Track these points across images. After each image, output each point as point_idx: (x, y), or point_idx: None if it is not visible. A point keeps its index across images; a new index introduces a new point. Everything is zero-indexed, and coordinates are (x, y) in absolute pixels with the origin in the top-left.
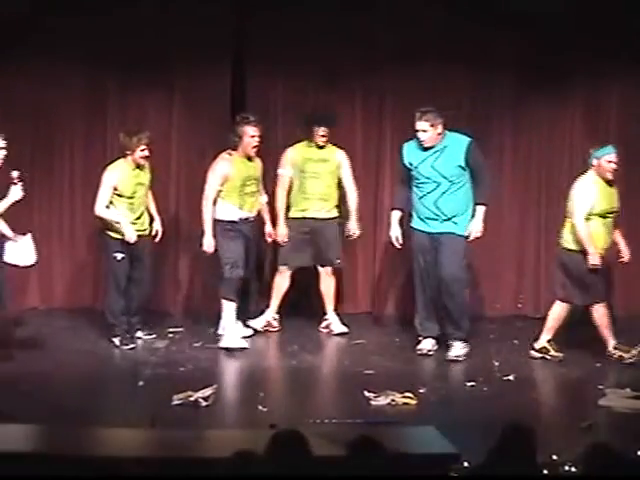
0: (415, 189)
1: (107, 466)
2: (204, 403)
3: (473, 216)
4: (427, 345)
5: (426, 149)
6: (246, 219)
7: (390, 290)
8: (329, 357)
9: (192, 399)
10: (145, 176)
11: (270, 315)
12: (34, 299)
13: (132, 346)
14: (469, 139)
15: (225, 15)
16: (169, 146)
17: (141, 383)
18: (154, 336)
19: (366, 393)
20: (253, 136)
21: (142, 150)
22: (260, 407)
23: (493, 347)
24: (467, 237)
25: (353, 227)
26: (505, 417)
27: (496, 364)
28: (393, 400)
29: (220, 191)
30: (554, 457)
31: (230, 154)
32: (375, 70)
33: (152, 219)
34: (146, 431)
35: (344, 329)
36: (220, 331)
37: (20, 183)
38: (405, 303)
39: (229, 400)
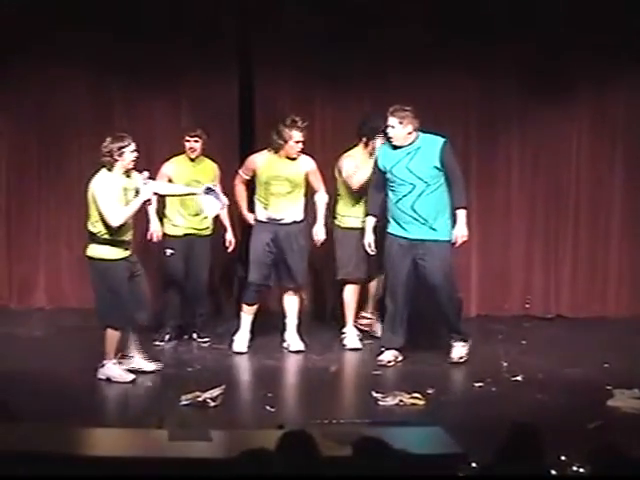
0: (390, 193)
1: (114, 466)
2: (212, 403)
3: (453, 220)
4: (388, 357)
5: (400, 150)
6: (275, 220)
7: None
8: (337, 357)
9: (200, 399)
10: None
11: (354, 332)
12: (41, 299)
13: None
14: (443, 139)
15: (231, 24)
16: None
17: (149, 383)
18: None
19: (374, 394)
20: (298, 142)
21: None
22: (268, 407)
23: (501, 347)
24: (451, 242)
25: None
26: (513, 418)
27: (504, 364)
28: (401, 401)
29: (246, 179)
30: (562, 457)
31: (270, 151)
32: (381, 80)
33: None
34: (154, 431)
35: (358, 345)
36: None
37: (150, 182)
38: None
39: (237, 400)
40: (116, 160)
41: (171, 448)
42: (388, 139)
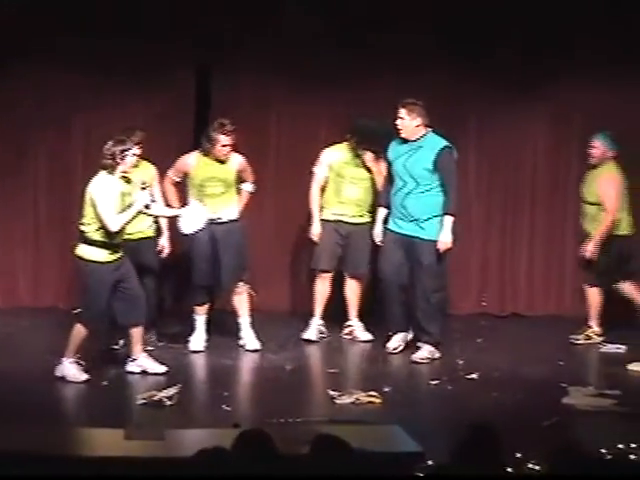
0: (392, 186)
1: (71, 466)
2: (168, 402)
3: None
4: (394, 343)
5: (405, 145)
6: (211, 220)
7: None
8: (293, 356)
9: (156, 399)
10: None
11: (318, 323)
12: None
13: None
14: (444, 143)
15: (189, 24)
16: None
17: (105, 383)
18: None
19: (330, 392)
20: (225, 145)
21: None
22: (224, 406)
23: (457, 346)
24: (436, 244)
25: (378, 233)
26: (469, 416)
27: (460, 363)
28: (357, 399)
29: (177, 181)
30: (518, 455)
31: (200, 152)
32: (339, 80)
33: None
34: (109, 431)
35: (368, 336)
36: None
37: (147, 189)
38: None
39: (193, 399)
40: (118, 163)
41: (127, 447)
42: (398, 132)
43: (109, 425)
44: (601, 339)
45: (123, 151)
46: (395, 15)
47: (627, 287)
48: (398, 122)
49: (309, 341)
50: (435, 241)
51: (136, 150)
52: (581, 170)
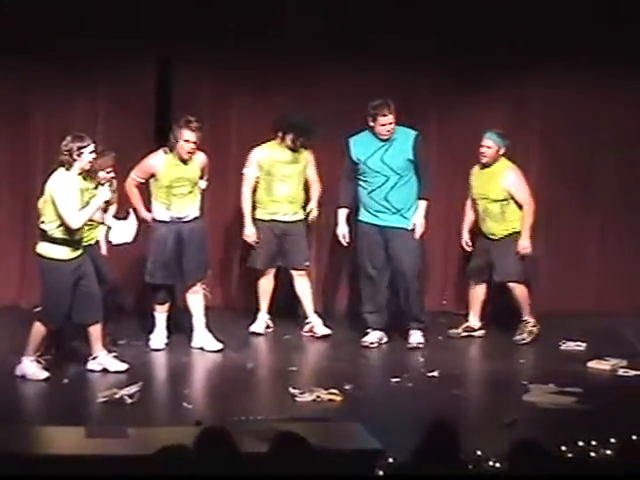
0: (363, 183)
1: (32, 465)
2: (129, 400)
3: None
4: (372, 338)
5: (374, 141)
6: (179, 219)
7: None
8: (254, 354)
9: (117, 396)
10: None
11: (264, 318)
12: None
13: None
14: (415, 132)
15: (150, 17)
16: None
17: (66, 381)
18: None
19: (291, 390)
20: (187, 141)
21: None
22: (185, 404)
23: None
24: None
25: (313, 212)
26: (430, 413)
27: (421, 360)
28: (318, 397)
29: (141, 182)
30: (478, 453)
31: (166, 151)
32: (302, 72)
33: None
34: (70, 429)
35: (327, 331)
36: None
37: (107, 184)
38: (336, 301)
39: (154, 397)
40: (74, 160)
41: (88, 445)
42: (380, 135)
43: (70, 423)
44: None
45: (80, 148)
46: (359, 12)
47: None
48: (387, 127)
49: (256, 334)
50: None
51: (92, 148)
52: (540, 165)
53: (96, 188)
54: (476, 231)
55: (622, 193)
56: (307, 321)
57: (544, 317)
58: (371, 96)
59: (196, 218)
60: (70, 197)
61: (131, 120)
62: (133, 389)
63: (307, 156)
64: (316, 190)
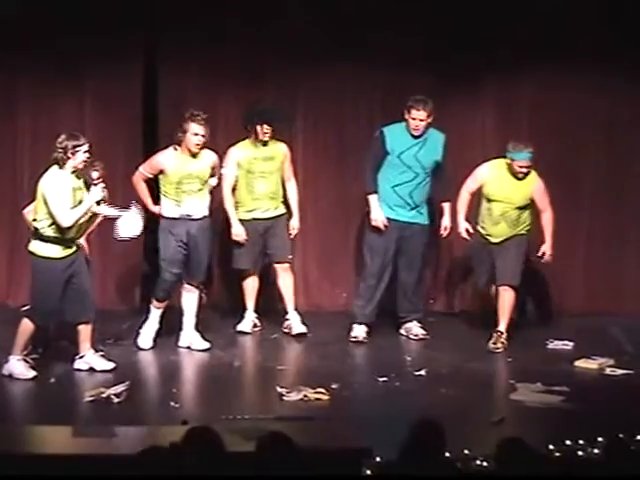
0: (388, 176)
1: (18, 464)
2: (116, 399)
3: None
4: (360, 332)
5: (409, 137)
6: (188, 216)
7: (300, 285)
8: (241, 353)
9: (104, 395)
10: None
11: (252, 316)
12: None
13: None
14: (444, 134)
15: (137, 15)
16: None
17: (53, 380)
18: None
19: (278, 389)
20: (196, 134)
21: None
22: (172, 403)
23: (406, 342)
24: (432, 227)
25: (295, 224)
26: (417, 412)
27: (408, 359)
28: (305, 396)
29: (149, 177)
30: (466, 451)
31: (175, 148)
32: (289, 69)
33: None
34: (57, 428)
35: (303, 329)
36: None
37: (100, 184)
38: (320, 298)
39: (141, 396)
40: (68, 158)
41: (75, 445)
42: (413, 130)
43: (57, 422)
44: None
45: (75, 146)
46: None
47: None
48: (419, 124)
49: (243, 333)
50: (430, 226)
51: (87, 147)
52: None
53: (88, 188)
54: (474, 232)
55: (610, 194)
56: (287, 317)
57: (532, 316)
58: (358, 94)
59: (205, 217)
60: (62, 195)
61: (118, 119)
62: (120, 388)
63: (284, 151)
64: (293, 188)
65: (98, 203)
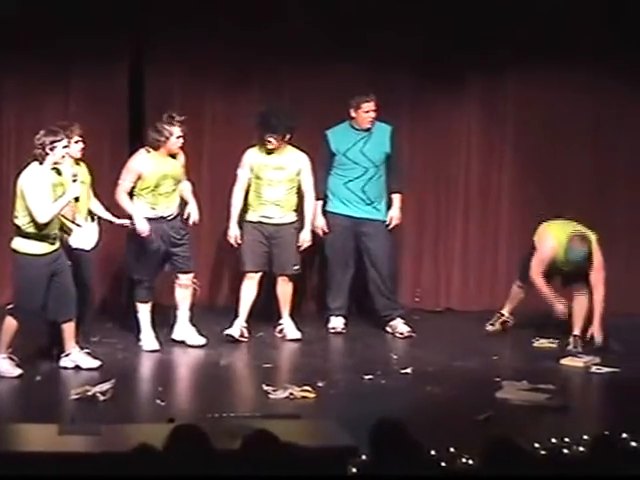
0: (339, 174)
1: (3, 462)
2: (102, 397)
3: (389, 203)
4: (339, 323)
5: (353, 133)
6: (163, 217)
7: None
8: (227, 351)
9: (90, 393)
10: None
11: (241, 324)
12: None
13: None
14: (391, 126)
15: (123, 14)
16: None
17: (38, 378)
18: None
19: (265, 387)
20: (179, 137)
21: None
22: (158, 401)
23: (391, 340)
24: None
25: (306, 237)
26: (403, 410)
27: (394, 357)
28: (292, 394)
29: (133, 187)
30: (451, 449)
31: (149, 150)
32: (276, 70)
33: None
34: (42, 426)
35: (297, 335)
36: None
37: (79, 182)
38: (307, 297)
39: (127, 394)
40: (47, 154)
41: (60, 443)
42: (360, 125)
43: (42, 420)
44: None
45: (53, 142)
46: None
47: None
48: (370, 116)
49: (231, 337)
50: (387, 221)
51: (65, 142)
52: (513, 162)
53: (75, 180)
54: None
55: (595, 193)
56: (280, 322)
57: (517, 314)
58: (345, 93)
59: (177, 215)
60: (39, 191)
61: (103, 118)
62: (106, 386)
63: (301, 162)
64: (310, 202)
65: (77, 200)
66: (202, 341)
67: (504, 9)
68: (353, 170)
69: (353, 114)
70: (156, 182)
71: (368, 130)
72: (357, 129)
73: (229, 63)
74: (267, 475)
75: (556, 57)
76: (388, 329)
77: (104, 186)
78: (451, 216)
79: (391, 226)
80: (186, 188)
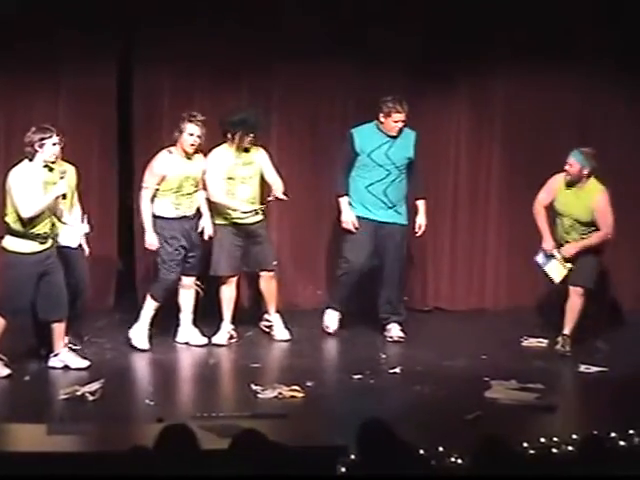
0: (361, 176)
1: None
2: (91, 397)
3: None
4: (333, 320)
5: (379, 136)
6: (185, 217)
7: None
8: (216, 350)
9: (79, 393)
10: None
11: (228, 328)
12: None
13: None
14: (415, 132)
15: (112, 13)
16: None
17: (27, 378)
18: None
19: (253, 386)
20: (192, 134)
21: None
22: (147, 401)
23: (380, 340)
24: (407, 228)
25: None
26: (392, 410)
27: (383, 357)
28: (280, 393)
29: (157, 189)
30: (440, 449)
31: (170, 151)
32: (263, 67)
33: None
34: (31, 426)
35: (286, 335)
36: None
37: (66, 179)
38: (293, 295)
39: (116, 394)
40: (36, 151)
41: (49, 443)
42: (388, 131)
43: (31, 421)
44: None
45: (42, 139)
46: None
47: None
48: (399, 125)
49: (218, 346)
50: (407, 225)
51: (55, 140)
52: (502, 163)
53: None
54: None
55: None
56: (266, 317)
57: (505, 313)
58: (332, 93)
59: (197, 213)
60: (24, 187)
61: (92, 117)
62: (95, 386)
63: (263, 154)
64: (279, 187)
65: (64, 197)
66: (204, 341)
67: (494, 10)
68: (376, 172)
69: (382, 119)
70: (179, 183)
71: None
72: (384, 133)
73: (218, 63)
74: (256, 475)
75: (544, 57)
76: (385, 333)
77: (93, 184)
78: (439, 215)
79: (420, 233)
80: (202, 198)
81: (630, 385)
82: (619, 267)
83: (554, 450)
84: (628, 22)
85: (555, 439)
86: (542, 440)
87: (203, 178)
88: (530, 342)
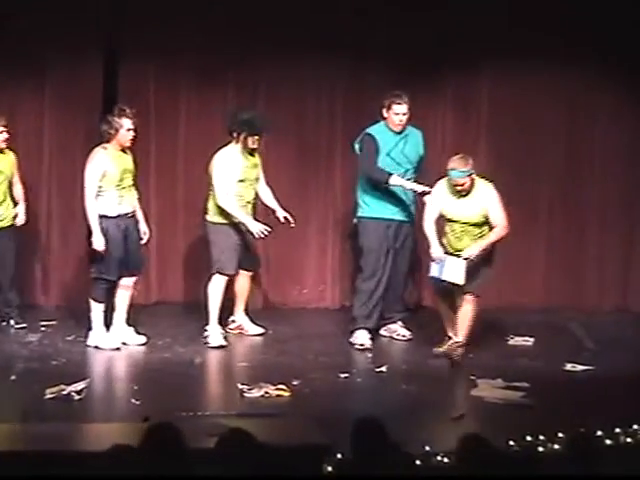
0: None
1: None
2: (77, 397)
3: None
4: (364, 339)
5: (392, 134)
6: (126, 214)
7: (262, 282)
8: (202, 349)
9: (65, 393)
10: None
11: (219, 330)
12: None
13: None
14: (419, 128)
15: (97, 12)
16: (41, 141)
17: (13, 377)
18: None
19: (239, 385)
20: (130, 129)
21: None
22: (133, 400)
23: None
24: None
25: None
26: (378, 408)
27: (369, 356)
28: (267, 392)
29: (100, 186)
30: (426, 448)
31: (105, 147)
32: (249, 63)
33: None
34: (19, 425)
35: (260, 329)
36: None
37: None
38: (280, 295)
39: (102, 394)
40: None
41: (37, 442)
42: (394, 126)
43: (17, 420)
44: None
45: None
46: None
47: None
48: (402, 118)
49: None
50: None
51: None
52: (487, 157)
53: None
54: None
55: (570, 189)
56: (232, 319)
57: (492, 312)
58: (319, 89)
59: (134, 212)
60: None
61: (77, 112)
62: (80, 385)
63: (257, 156)
64: (269, 193)
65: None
66: (142, 340)
67: (478, 5)
68: (396, 171)
69: (385, 114)
70: (120, 176)
71: (402, 132)
72: (393, 131)
73: (203, 60)
74: (242, 474)
75: (530, 51)
76: (384, 332)
77: (78, 179)
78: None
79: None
80: (136, 198)
81: (616, 384)
82: (604, 267)
83: (540, 448)
84: (613, 20)
85: (541, 437)
86: (528, 438)
87: (211, 183)
88: (516, 341)
